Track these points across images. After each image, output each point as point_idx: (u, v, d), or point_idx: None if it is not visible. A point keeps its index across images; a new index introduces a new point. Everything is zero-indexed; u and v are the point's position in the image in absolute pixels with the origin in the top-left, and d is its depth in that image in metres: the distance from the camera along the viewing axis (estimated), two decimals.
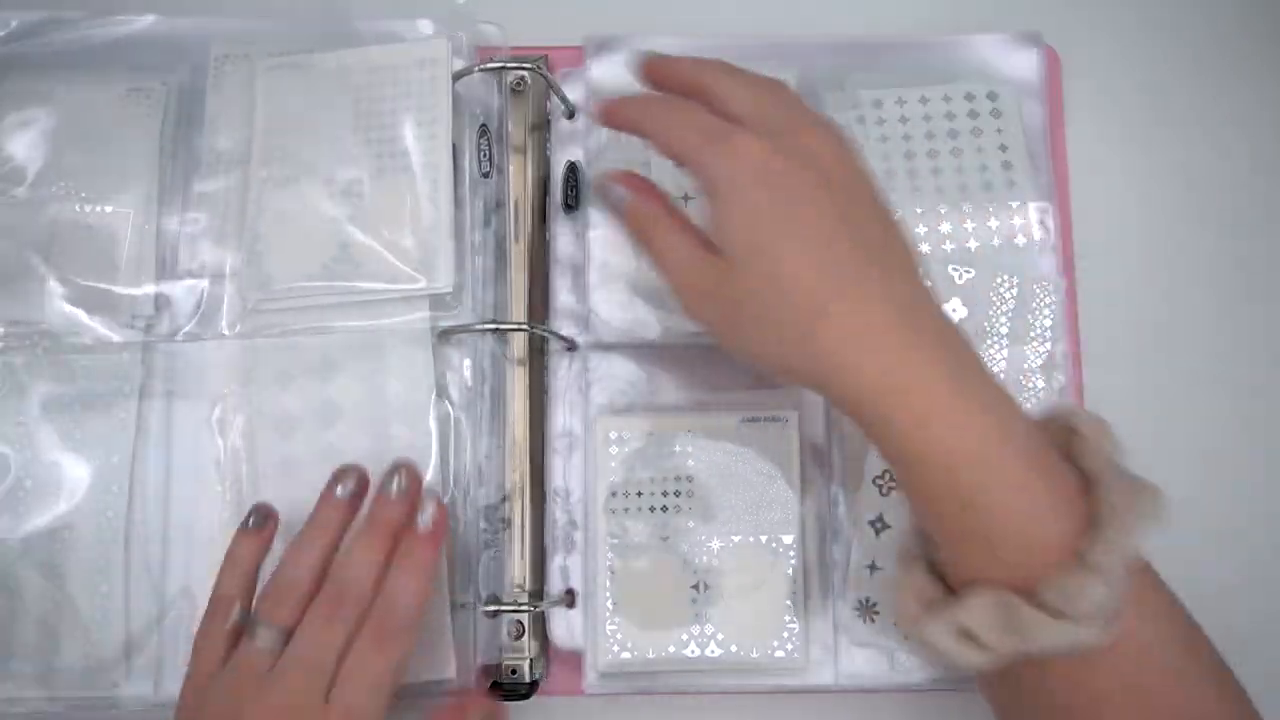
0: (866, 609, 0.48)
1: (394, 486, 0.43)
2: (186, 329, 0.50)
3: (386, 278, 0.49)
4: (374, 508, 0.43)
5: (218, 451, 0.49)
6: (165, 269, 0.50)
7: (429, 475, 0.48)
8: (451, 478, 0.49)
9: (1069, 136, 0.55)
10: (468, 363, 0.50)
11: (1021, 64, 0.54)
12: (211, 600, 0.42)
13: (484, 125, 0.52)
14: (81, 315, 0.49)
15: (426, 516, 0.42)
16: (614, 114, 0.42)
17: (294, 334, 0.49)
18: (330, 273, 0.49)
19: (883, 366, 0.35)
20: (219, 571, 0.43)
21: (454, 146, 0.51)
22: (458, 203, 0.50)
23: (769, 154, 0.36)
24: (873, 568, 0.48)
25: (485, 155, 0.51)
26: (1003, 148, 0.52)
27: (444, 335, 0.50)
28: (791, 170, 0.36)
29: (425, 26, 0.53)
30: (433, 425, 0.49)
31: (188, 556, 0.48)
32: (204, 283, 0.50)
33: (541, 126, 0.54)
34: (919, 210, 0.51)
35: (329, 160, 0.50)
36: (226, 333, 0.50)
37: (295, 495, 0.45)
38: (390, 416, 0.49)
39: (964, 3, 0.57)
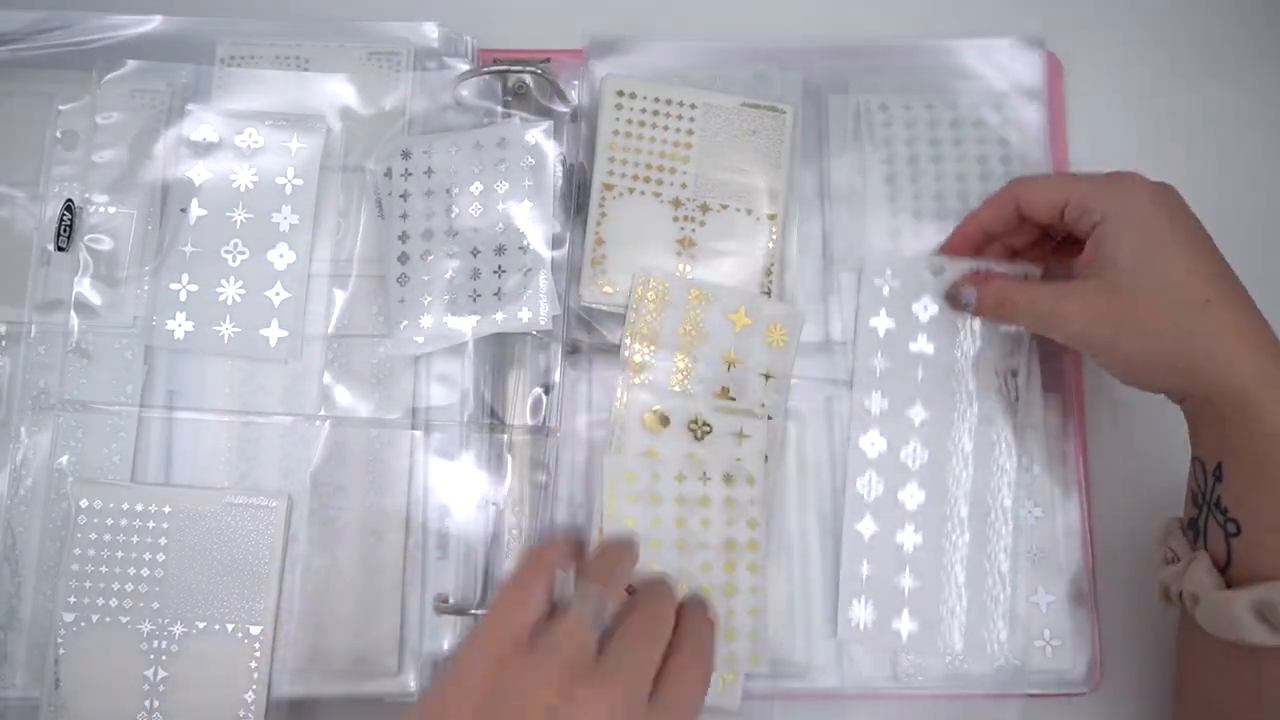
0: None
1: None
2: (187, 329, 0.50)
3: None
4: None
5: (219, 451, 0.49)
6: (169, 269, 0.50)
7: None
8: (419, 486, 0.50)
9: (1070, 142, 0.55)
10: (466, 370, 0.50)
11: (1025, 68, 0.54)
12: None
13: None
14: (85, 316, 0.49)
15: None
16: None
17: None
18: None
19: (1259, 365, 0.40)
20: None
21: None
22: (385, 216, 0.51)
23: (1156, 188, 0.45)
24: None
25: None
26: (1004, 159, 0.53)
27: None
28: (1174, 201, 0.44)
29: (429, 30, 0.53)
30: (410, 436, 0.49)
31: None
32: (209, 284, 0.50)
33: None
34: (918, 215, 0.52)
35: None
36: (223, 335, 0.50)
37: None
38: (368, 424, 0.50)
39: (967, 7, 0.57)
